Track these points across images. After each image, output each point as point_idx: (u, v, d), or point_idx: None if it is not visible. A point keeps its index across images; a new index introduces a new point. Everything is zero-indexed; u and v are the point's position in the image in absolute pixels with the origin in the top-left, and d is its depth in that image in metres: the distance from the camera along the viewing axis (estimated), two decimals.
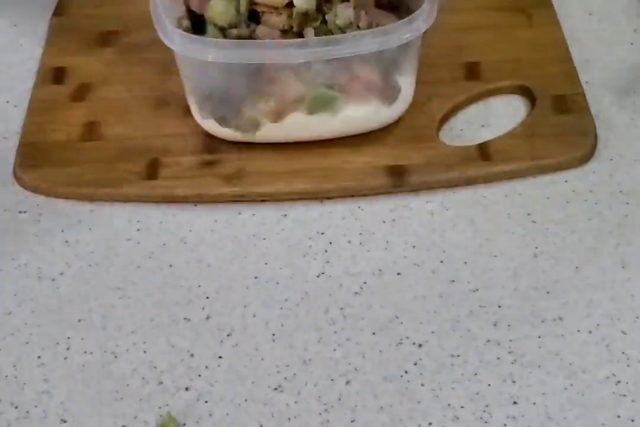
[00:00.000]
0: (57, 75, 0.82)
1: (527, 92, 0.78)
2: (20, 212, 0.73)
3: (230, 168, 0.74)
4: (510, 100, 0.79)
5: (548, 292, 0.66)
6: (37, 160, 0.75)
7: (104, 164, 0.74)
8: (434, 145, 0.74)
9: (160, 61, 0.80)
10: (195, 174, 0.73)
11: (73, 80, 0.81)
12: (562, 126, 0.75)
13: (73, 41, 0.85)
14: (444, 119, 0.77)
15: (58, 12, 0.88)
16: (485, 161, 0.73)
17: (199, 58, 0.69)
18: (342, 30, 0.71)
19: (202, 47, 0.69)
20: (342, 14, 0.71)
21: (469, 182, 0.72)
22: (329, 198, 0.72)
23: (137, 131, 0.77)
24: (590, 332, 0.64)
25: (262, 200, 0.72)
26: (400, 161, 0.73)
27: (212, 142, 0.75)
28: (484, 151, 0.74)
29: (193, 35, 0.69)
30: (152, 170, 0.74)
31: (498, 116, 0.77)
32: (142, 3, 0.84)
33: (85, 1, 0.89)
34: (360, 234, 0.70)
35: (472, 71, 0.80)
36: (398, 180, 0.72)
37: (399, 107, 0.75)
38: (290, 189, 0.72)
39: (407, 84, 0.74)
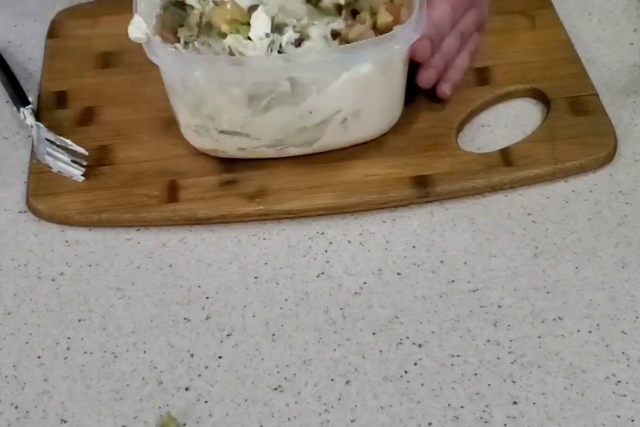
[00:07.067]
0: (60, 99, 0.80)
1: (540, 95, 0.78)
2: (20, 212, 0.73)
3: (251, 186, 0.72)
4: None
5: (548, 292, 0.66)
6: (50, 189, 0.73)
7: (120, 189, 0.72)
8: (454, 153, 0.73)
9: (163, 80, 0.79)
10: (216, 195, 0.71)
11: (77, 103, 0.79)
12: (580, 128, 0.74)
13: (71, 63, 0.83)
14: (461, 125, 0.76)
15: (52, 34, 0.86)
16: (508, 167, 0.72)
17: (185, 75, 0.67)
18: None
19: (188, 64, 0.67)
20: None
21: (495, 188, 0.71)
22: (353, 212, 0.71)
23: (150, 153, 0.75)
24: (590, 332, 0.64)
25: (287, 218, 0.71)
26: (423, 171, 0.72)
27: (228, 161, 0.74)
28: (506, 157, 0.73)
29: (181, 52, 0.68)
30: (172, 193, 0.72)
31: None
32: None
33: (79, 22, 0.87)
34: (360, 234, 0.70)
35: (483, 76, 0.79)
36: (423, 190, 0.71)
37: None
38: (316, 205, 0.71)
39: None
